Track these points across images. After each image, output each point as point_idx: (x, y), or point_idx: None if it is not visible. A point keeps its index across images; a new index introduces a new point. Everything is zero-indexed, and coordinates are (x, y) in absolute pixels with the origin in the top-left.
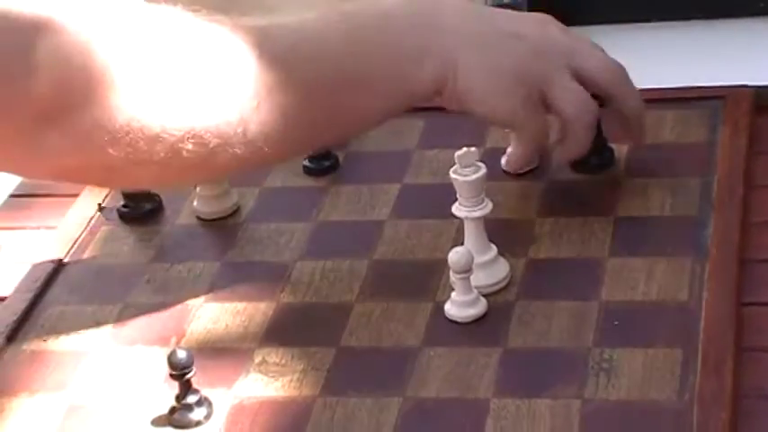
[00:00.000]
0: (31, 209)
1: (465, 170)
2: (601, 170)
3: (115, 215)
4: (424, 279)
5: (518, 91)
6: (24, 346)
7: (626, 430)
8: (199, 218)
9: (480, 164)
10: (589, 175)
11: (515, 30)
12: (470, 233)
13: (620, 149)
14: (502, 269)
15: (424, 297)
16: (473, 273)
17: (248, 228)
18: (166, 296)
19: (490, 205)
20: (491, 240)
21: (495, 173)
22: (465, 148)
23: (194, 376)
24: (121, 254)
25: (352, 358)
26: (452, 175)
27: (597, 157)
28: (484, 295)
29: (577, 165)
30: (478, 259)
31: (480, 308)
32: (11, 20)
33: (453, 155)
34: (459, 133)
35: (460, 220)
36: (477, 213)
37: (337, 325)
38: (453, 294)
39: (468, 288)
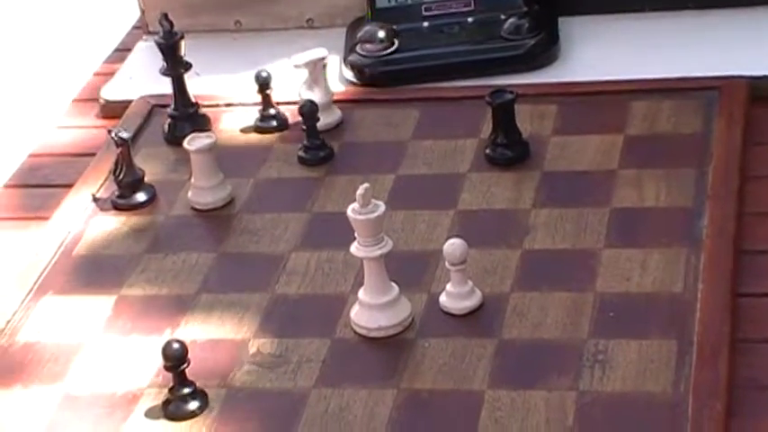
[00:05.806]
0: (25, 199)
1: (363, 209)
2: (515, 163)
3: (109, 205)
4: (419, 270)
5: None
6: (18, 338)
7: (621, 422)
8: (193, 208)
9: (379, 202)
10: (505, 170)
11: None
12: (370, 273)
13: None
14: (404, 310)
15: (418, 288)
16: (382, 310)
17: (243, 218)
18: (161, 287)
19: (390, 244)
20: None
21: (488, 165)
22: (364, 186)
23: (189, 368)
24: (115, 245)
25: (348, 349)
26: (350, 215)
27: (511, 149)
28: (386, 338)
29: (492, 158)
30: (379, 300)
31: (475, 300)
32: None
33: (449, 145)
34: (454, 124)
35: (456, 210)
36: (377, 253)
37: (332, 316)
38: (448, 286)
39: (464, 280)
